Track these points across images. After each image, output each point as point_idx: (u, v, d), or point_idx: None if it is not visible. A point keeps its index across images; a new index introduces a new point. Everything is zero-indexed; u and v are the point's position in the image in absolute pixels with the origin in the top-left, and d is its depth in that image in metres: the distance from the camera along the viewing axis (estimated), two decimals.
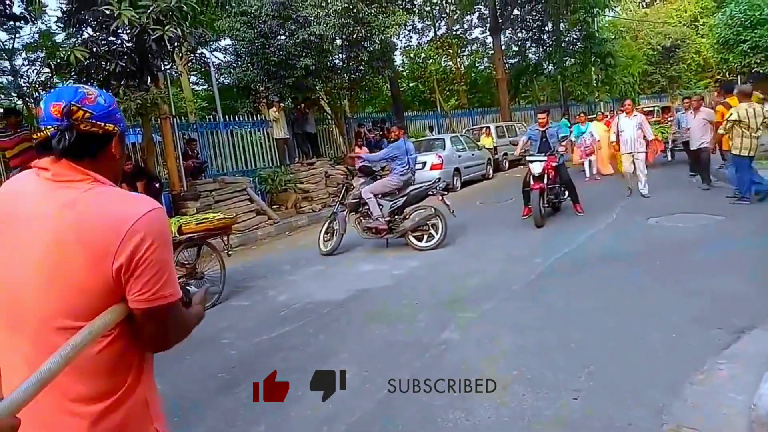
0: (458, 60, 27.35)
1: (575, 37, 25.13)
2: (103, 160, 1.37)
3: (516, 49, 27.79)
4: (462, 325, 4.53)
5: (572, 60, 25.39)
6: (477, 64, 31.30)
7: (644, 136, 9.57)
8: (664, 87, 31.85)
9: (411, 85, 28.36)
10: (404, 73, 27.30)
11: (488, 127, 18.17)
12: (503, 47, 25.26)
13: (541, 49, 26.17)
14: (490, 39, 25.74)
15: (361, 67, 14.78)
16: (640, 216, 8.03)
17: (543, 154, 8.40)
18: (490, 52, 27.13)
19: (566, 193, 8.86)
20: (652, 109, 18.00)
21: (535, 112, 25.72)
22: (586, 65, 24.85)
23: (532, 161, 8.29)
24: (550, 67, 26.80)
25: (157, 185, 9.74)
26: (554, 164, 8.38)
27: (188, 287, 1.30)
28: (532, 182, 8.16)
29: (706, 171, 9.67)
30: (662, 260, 5.65)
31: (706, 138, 9.36)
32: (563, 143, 8.88)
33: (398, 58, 25.43)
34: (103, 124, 1.34)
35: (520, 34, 26.43)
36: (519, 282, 5.37)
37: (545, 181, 8.18)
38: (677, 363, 3.40)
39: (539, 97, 28.82)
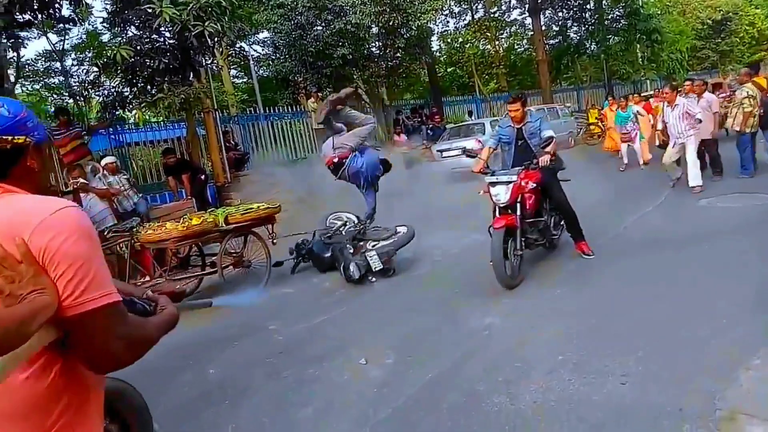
0: (497, 43, 26.83)
1: (619, 14, 24.24)
2: (18, 175, 1.21)
3: (556, 29, 27.02)
4: (504, 312, 4.50)
5: (616, 38, 24.52)
6: (516, 47, 30.64)
7: (695, 117, 8.70)
8: (714, 62, 30.45)
9: (449, 70, 28.05)
10: (442, 59, 27.02)
11: (530, 110, 17.83)
12: (543, 28, 24.63)
13: (583, 28, 25.36)
14: (529, 20, 25.14)
15: (398, 54, 14.74)
16: (690, 197, 7.75)
17: (514, 168, 5.41)
18: (530, 33, 26.49)
19: (562, 223, 5.87)
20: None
21: (579, 91, 25.07)
22: (631, 43, 23.96)
23: (493, 183, 5.22)
24: (592, 47, 25.95)
25: (203, 177, 10.01)
26: (532, 184, 5.31)
27: (141, 302, 1.21)
28: (494, 216, 5.23)
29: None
30: (713, 243, 5.44)
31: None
32: (546, 147, 5.29)
33: (435, 44, 25.20)
34: (10, 137, 1.18)
35: (560, 14, 25.67)
36: (563, 268, 5.29)
37: (519, 212, 5.15)
38: (729, 349, 3.28)
39: (582, 78, 28.01)
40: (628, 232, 6.44)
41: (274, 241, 6.63)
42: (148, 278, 6.16)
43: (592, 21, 24.57)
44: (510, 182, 5.13)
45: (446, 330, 4.25)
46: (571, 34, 26.55)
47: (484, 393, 3.21)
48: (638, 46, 24.42)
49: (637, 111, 11.56)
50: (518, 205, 5.17)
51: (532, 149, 5.51)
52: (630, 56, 24.90)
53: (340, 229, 6.70)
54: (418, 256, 6.76)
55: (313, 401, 3.46)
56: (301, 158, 13.38)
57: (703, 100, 8.97)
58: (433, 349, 3.95)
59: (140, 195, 8.66)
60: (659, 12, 25.54)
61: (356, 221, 6.87)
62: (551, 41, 26.91)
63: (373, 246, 6.10)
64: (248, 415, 3.43)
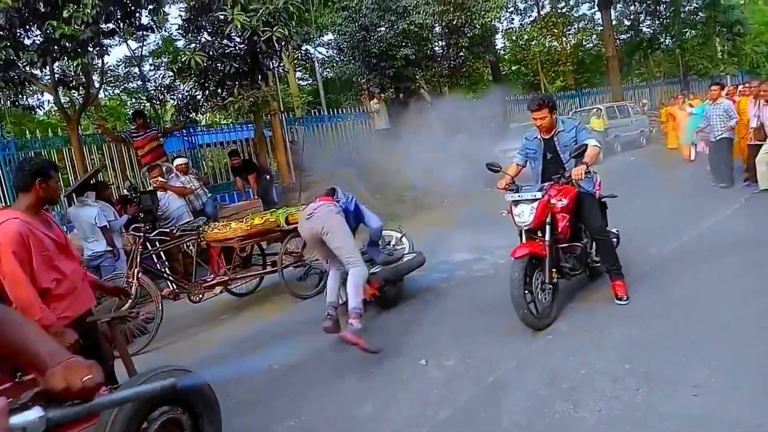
0: (564, 39, 26.09)
1: (696, 5, 23.01)
2: None
3: (628, 23, 25.92)
4: (570, 315, 4.39)
5: (693, 31, 23.29)
6: (585, 43, 29.66)
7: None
8: None
9: (513, 68, 27.54)
10: (506, 57, 26.57)
11: (599, 108, 17.23)
12: (614, 22, 23.71)
13: (657, 22, 24.22)
14: (598, 15, 24.28)
15: (461, 54, 14.62)
16: None
17: (540, 185, 4.58)
18: (599, 28, 25.57)
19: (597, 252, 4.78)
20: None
21: (652, 88, 23.93)
22: (710, 36, 22.69)
23: (516, 202, 4.41)
24: (667, 41, 24.75)
25: (268, 177, 10.32)
26: (561, 202, 4.34)
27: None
28: (519, 241, 4.47)
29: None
30: None
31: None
32: (586, 158, 4.31)
33: (499, 42, 24.80)
34: None
35: (632, 7, 24.65)
36: (632, 272, 5.09)
37: (548, 236, 4.31)
38: None
39: (655, 74, 26.76)
40: (705, 236, 6.11)
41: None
42: (212, 275, 6.43)
43: (667, 14, 23.43)
44: (535, 200, 4.27)
45: (508, 334, 4.19)
46: (644, 29, 25.42)
47: (546, 398, 3.15)
48: (718, 39, 23.09)
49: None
50: (548, 227, 4.31)
51: (563, 163, 4.55)
52: (708, 50, 23.57)
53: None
54: (480, 258, 6.71)
55: (373, 398, 3.52)
56: (364, 159, 13.52)
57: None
58: (495, 352, 3.92)
59: (209, 195, 9.04)
60: (742, 2, 24.04)
61: (400, 238, 6.20)
62: (622, 36, 25.87)
63: (372, 271, 5.13)
64: (311, 409, 3.53)
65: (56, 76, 8.68)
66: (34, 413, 1.17)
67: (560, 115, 4.75)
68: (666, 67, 26.25)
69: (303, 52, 16.09)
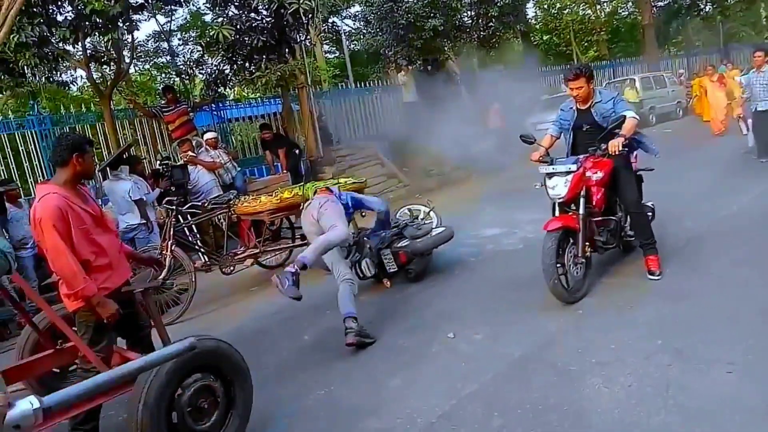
0: (598, 7, 25.26)
1: None
2: None
3: None
4: (601, 290, 4.34)
5: None
6: (620, 10, 28.65)
7: None
8: None
9: (545, 38, 26.82)
10: (537, 27, 25.87)
11: (632, 79, 16.71)
12: None
13: None
14: None
15: (491, 24, 14.27)
16: None
17: (575, 157, 4.39)
18: None
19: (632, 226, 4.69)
20: None
21: (689, 58, 22.99)
22: (754, 1, 21.62)
23: (549, 174, 4.32)
24: (707, 8, 23.72)
25: (297, 152, 10.35)
26: (597, 175, 4.28)
27: None
28: (552, 214, 4.39)
29: None
30: None
31: None
32: (623, 130, 4.21)
33: (530, 11, 24.12)
34: None
35: None
36: (666, 247, 4.97)
37: (583, 209, 4.23)
38: None
39: (693, 43, 25.74)
40: (742, 212, 5.92)
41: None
42: (243, 248, 6.53)
43: None
44: (569, 172, 4.17)
45: (537, 309, 4.16)
46: None
47: (576, 373, 3.14)
48: (762, 4, 21.99)
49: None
50: (582, 200, 4.22)
51: (605, 137, 4.35)
52: (752, 16, 22.51)
53: (402, 222, 5.89)
54: (508, 230, 6.65)
55: (401, 371, 3.55)
56: (391, 132, 13.44)
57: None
58: (524, 326, 3.90)
59: (239, 169, 9.12)
60: None
61: (428, 212, 6.16)
62: (659, 3, 24.88)
63: (399, 245, 5.31)
64: (340, 381, 3.58)
65: (88, 51, 8.81)
66: (28, 405, 1.12)
67: (596, 87, 4.61)
68: (706, 35, 25.19)
69: (330, 24, 15.93)
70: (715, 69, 12.97)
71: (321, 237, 4.21)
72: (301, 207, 6.04)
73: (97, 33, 8.28)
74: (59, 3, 8.16)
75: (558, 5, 23.48)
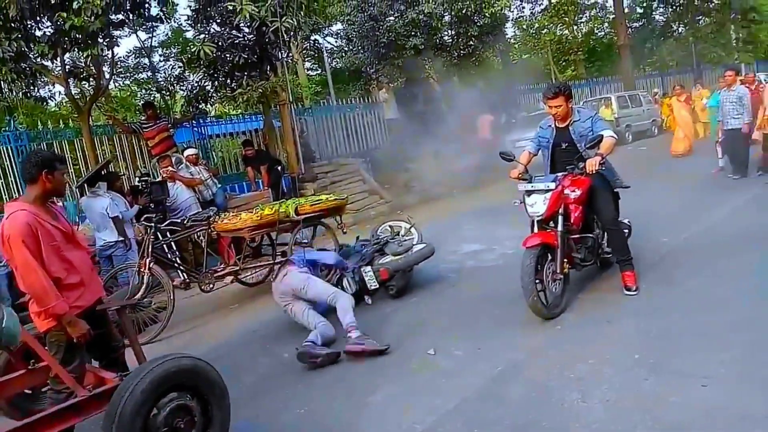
0: (575, 28, 25.85)
1: None
2: None
3: (640, 11, 25.62)
4: (579, 305, 4.38)
5: (707, 19, 22.93)
6: (596, 31, 29.36)
7: None
8: None
9: (524, 57, 27.33)
10: (516, 46, 26.36)
11: (608, 98, 17.06)
12: (626, 10, 23.41)
13: (670, 9, 23.90)
14: (610, 2, 23.99)
15: (471, 43, 14.50)
16: None
17: (554, 175, 4.45)
18: (611, 16, 25.29)
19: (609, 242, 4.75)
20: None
21: (662, 78, 23.61)
22: (724, 24, 22.33)
23: (528, 192, 4.37)
24: (680, 29, 24.42)
25: (279, 168, 10.34)
26: (575, 192, 4.34)
27: None
28: (531, 231, 4.38)
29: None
30: None
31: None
32: (601, 149, 4.27)
33: (510, 30, 24.59)
34: None
35: None
36: (642, 262, 5.05)
37: (561, 226, 4.27)
38: None
39: (667, 63, 26.41)
40: (715, 227, 6.05)
41: (345, 231, 6.76)
42: (223, 265, 6.47)
43: (680, 1, 23.08)
44: (548, 190, 4.23)
45: (517, 324, 4.19)
46: (657, 16, 25.14)
47: (554, 388, 3.16)
48: (732, 27, 22.71)
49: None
50: (560, 218, 4.27)
51: (579, 152, 4.45)
52: (722, 38, 23.21)
53: (383, 238, 5.97)
54: (489, 249, 6.70)
55: (382, 388, 3.54)
56: (372, 149, 13.52)
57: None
58: (504, 342, 3.92)
59: (219, 185, 9.07)
60: None
61: (409, 229, 6.31)
62: (634, 24, 25.57)
63: (380, 262, 5.40)
64: (320, 398, 3.56)
65: (67, 67, 8.72)
66: None
67: (575, 105, 4.70)
68: (679, 55, 25.90)
69: (312, 42, 16.04)
70: (683, 88, 13.16)
71: (340, 310, 4.37)
72: (290, 217, 6.05)
73: (76, 48, 8.21)
74: (38, 18, 8.10)
75: (536, 25, 23.98)
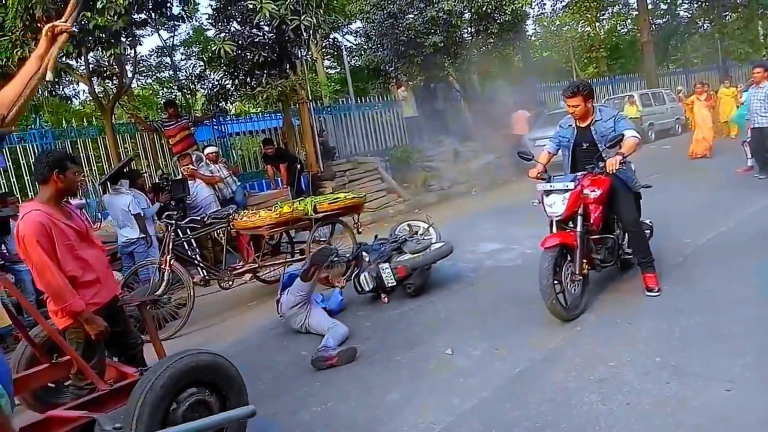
0: (597, 24, 25.48)
1: None
2: None
3: (665, 7, 25.17)
4: (599, 307, 4.33)
5: (733, 14, 22.42)
6: (619, 28, 28.91)
7: None
8: None
9: (545, 54, 27.04)
10: (537, 43, 26.09)
11: (632, 95, 16.80)
12: (650, 6, 23.01)
13: (695, 5, 23.43)
14: None
15: (491, 40, 14.38)
16: None
17: (573, 174, 4.40)
18: (634, 13, 24.88)
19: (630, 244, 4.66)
20: None
21: (691, 77, 23.17)
22: (752, 19, 21.78)
23: (547, 191, 4.32)
24: (705, 25, 23.94)
25: (298, 167, 10.39)
26: (595, 192, 4.25)
27: None
28: (550, 231, 4.32)
29: None
30: None
31: None
32: (623, 148, 4.16)
33: (530, 28, 24.36)
34: None
35: None
36: (664, 263, 4.97)
37: (580, 227, 4.23)
38: None
39: (692, 60, 25.94)
40: (739, 228, 5.92)
41: (360, 230, 6.77)
42: (242, 263, 6.52)
43: None
44: (567, 190, 4.17)
45: (536, 325, 4.15)
46: (681, 12, 24.67)
47: (573, 390, 3.12)
48: (760, 22, 22.16)
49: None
50: (579, 218, 4.21)
51: (599, 151, 4.36)
52: (750, 34, 22.66)
53: (402, 237, 5.99)
54: (508, 248, 6.65)
55: (399, 387, 3.54)
56: (391, 148, 13.50)
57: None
58: (522, 343, 3.89)
59: (239, 184, 9.14)
60: None
61: (428, 228, 6.38)
62: (658, 21, 25.12)
63: (398, 260, 5.39)
64: (337, 396, 3.56)
65: (91, 66, 8.87)
66: None
67: (597, 104, 4.62)
68: (704, 52, 25.39)
69: (331, 40, 16.06)
70: (704, 86, 12.72)
71: (337, 333, 4.48)
72: (309, 215, 6.07)
73: (99, 48, 8.34)
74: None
75: (558, 22, 23.72)
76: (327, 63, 22.90)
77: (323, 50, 17.94)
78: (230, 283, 6.19)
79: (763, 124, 8.17)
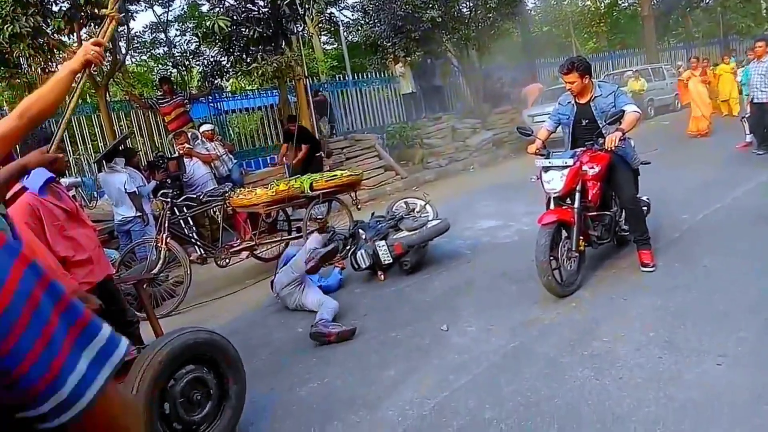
0: None
1: None
2: None
3: None
4: (594, 283, 4.35)
5: None
6: (620, 2, 28.47)
7: None
8: None
9: (544, 29, 26.67)
10: (537, 18, 25.72)
11: (639, 70, 16.58)
12: None
13: None
14: None
15: (490, 15, 14.18)
16: None
17: (572, 151, 4.40)
18: None
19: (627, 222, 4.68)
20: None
21: (688, 52, 22.92)
22: None
23: (545, 168, 4.30)
24: None
25: (318, 155, 9.83)
26: (593, 169, 4.25)
27: None
28: (547, 207, 4.39)
29: None
30: None
31: None
32: (623, 124, 4.16)
33: (530, 2, 23.99)
34: None
35: None
36: (661, 239, 4.98)
37: (578, 203, 4.21)
38: None
39: (693, 34, 25.59)
40: (737, 204, 5.92)
41: (359, 207, 6.77)
42: (239, 240, 6.53)
43: None
44: (566, 167, 4.15)
45: (531, 301, 4.17)
46: None
47: (567, 365, 3.15)
48: None
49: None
50: (577, 194, 4.20)
51: (599, 127, 4.32)
52: (752, 8, 22.38)
53: (399, 214, 6.01)
54: (505, 225, 6.65)
55: (395, 363, 3.57)
56: (389, 125, 13.42)
57: None
58: (517, 319, 3.91)
59: (235, 162, 9.08)
60: None
61: (425, 205, 6.37)
62: None
63: (395, 237, 5.39)
64: (334, 373, 3.59)
65: (84, 42, 8.73)
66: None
67: (596, 79, 4.57)
68: (705, 26, 25.07)
69: (327, 15, 15.80)
70: (699, 61, 12.12)
71: (329, 307, 4.44)
72: (305, 193, 6.06)
73: (92, 24, 8.22)
74: None
75: None
76: (324, 39, 22.59)
77: (320, 26, 17.66)
78: (227, 261, 6.20)
79: (762, 99, 8.12)
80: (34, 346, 0.58)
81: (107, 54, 9.37)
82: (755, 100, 8.25)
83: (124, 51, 9.95)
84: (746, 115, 8.82)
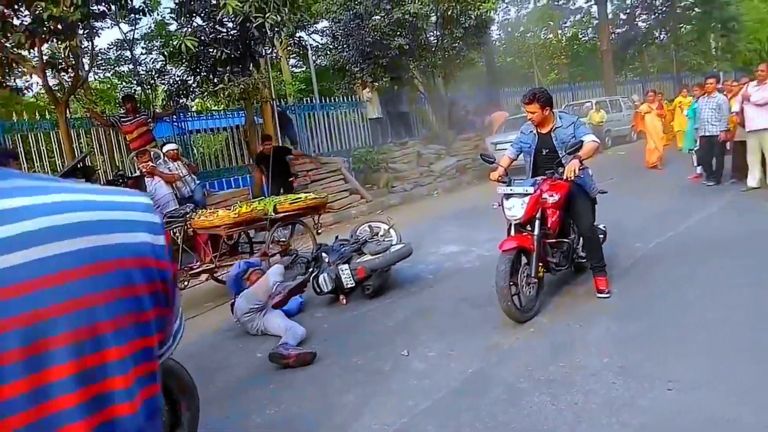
0: (559, 32, 26.09)
1: (692, 1, 23.04)
2: None
3: (624, 17, 25.96)
4: (552, 309, 4.43)
5: (688, 27, 23.33)
6: (580, 36, 29.66)
7: None
8: None
9: (508, 60, 27.50)
10: (501, 48, 26.51)
11: (599, 102, 17.17)
12: (610, 16, 23.70)
13: (652, 17, 24.26)
14: (595, 8, 24.28)
15: (456, 44, 14.54)
16: (765, 199, 7.28)
17: (533, 179, 4.52)
18: (595, 21, 25.58)
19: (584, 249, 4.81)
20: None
21: (644, 86, 23.99)
22: (704, 32, 22.76)
23: (507, 195, 4.41)
24: (662, 36, 24.81)
25: (290, 180, 9.72)
26: (553, 197, 4.36)
27: None
28: (508, 234, 4.45)
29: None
30: None
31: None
32: (581, 152, 4.30)
33: (495, 33, 24.74)
34: None
35: (628, 1, 24.68)
36: (616, 267, 5.13)
37: (537, 230, 4.31)
38: None
39: (648, 69, 26.80)
40: (688, 232, 6.16)
41: (320, 231, 6.75)
42: (199, 263, 6.41)
43: (663, 9, 23.46)
44: (527, 194, 4.27)
45: (491, 326, 4.22)
46: (639, 23, 25.47)
47: (525, 391, 3.19)
48: (712, 35, 23.13)
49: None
50: (537, 222, 4.32)
51: (559, 157, 4.47)
52: (703, 46, 23.64)
53: (362, 238, 6.02)
54: (467, 251, 6.73)
55: (355, 388, 3.54)
56: (355, 149, 13.49)
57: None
58: (477, 344, 3.94)
59: (198, 182, 8.96)
60: None
61: (388, 229, 6.36)
62: (618, 30, 25.90)
63: (358, 261, 5.38)
64: (291, 399, 3.54)
65: (45, 57, 8.56)
66: None
67: (557, 110, 4.72)
68: (660, 62, 26.31)
69: (296, 39, 15.93)
70: (656, 95, 12.43)
71: (298, 334, 4.40)
72: (269, 215, 6.01)
73: (54, 39, 8.08)
74: (15, 7, 7.93)
75: (521, 28, 24.20)
76: (292, 62, 22.72)
77: (288, 49, 17.79)
78: (186, 283, 6.07)
79: (712, 132, 8.51)
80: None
81: (69, 70, 9.23)
82: (706, 133, 8.64)
83: (87, 68, 9.78)
84: (695, 148, 9.21)
